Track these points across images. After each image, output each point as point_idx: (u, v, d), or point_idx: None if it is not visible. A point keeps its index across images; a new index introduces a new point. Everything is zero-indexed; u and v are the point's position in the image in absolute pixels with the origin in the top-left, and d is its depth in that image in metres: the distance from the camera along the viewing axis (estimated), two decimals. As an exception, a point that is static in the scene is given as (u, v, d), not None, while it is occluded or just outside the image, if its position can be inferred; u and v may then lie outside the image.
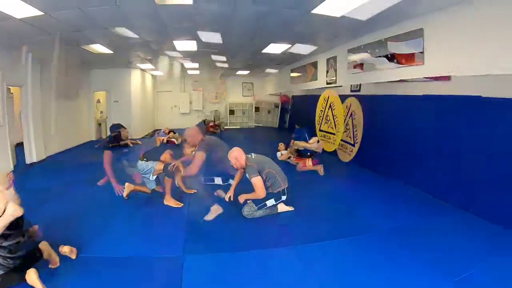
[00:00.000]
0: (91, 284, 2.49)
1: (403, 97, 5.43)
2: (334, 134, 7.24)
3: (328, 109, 7.47)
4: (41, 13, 3.97)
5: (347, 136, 7.04)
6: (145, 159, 4.22)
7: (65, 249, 2.80)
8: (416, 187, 4.88)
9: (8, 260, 2.45)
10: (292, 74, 9.90)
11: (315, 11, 4.01)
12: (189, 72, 12.76)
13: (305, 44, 6.40)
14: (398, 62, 4.47)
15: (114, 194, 4.22)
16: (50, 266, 2.65)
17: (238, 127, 14.91)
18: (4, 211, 2.34)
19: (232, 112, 15.13)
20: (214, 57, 8.72)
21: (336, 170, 6.34)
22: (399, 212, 3.95)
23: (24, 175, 5.92)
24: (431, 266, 2.69)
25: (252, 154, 3.95)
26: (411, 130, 5.21)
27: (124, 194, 4.26)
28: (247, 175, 3.71)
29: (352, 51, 5.75)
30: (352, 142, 6.82)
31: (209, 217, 3.68)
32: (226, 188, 4.19)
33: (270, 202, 3.75)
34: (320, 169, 5.93)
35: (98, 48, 6.76)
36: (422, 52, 4.00)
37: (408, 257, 2.87)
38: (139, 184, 4.40)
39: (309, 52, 7.18)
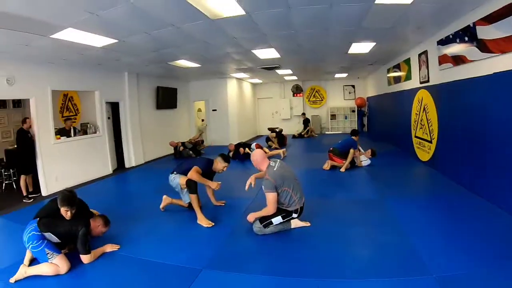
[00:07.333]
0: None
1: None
2: (430, 142, 6.08)
3: (423, 112, 6.35)
4: (115, 40, 4.62)
5: (423, 133, 6.36)
6: (174, 172, 4.24)
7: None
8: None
9: None
10: (388, 75, 8.69)
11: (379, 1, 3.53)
12: (286, 78, 12.80)
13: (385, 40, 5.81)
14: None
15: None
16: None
17: (341, 132, 14.25)
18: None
19: (333, 116, 14.64)
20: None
21: (402, 174, 6.02)
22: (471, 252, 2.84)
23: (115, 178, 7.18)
24: None
25: (277, 162, 3.65)
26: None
27: (161, 206, 4.38)
28: (263, 187, 3.51)
29: (442, 42, 5.05)
30: (429, 139, 6.09)
31: None
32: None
33: (277, 220, 3.53)
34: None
35: (184, 63, 7.28)
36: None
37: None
38: (176, 198, 4.41)
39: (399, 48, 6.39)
